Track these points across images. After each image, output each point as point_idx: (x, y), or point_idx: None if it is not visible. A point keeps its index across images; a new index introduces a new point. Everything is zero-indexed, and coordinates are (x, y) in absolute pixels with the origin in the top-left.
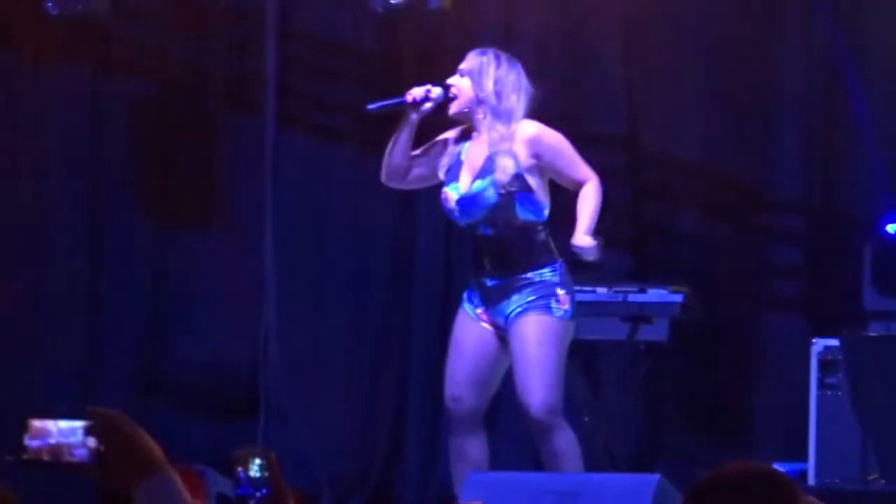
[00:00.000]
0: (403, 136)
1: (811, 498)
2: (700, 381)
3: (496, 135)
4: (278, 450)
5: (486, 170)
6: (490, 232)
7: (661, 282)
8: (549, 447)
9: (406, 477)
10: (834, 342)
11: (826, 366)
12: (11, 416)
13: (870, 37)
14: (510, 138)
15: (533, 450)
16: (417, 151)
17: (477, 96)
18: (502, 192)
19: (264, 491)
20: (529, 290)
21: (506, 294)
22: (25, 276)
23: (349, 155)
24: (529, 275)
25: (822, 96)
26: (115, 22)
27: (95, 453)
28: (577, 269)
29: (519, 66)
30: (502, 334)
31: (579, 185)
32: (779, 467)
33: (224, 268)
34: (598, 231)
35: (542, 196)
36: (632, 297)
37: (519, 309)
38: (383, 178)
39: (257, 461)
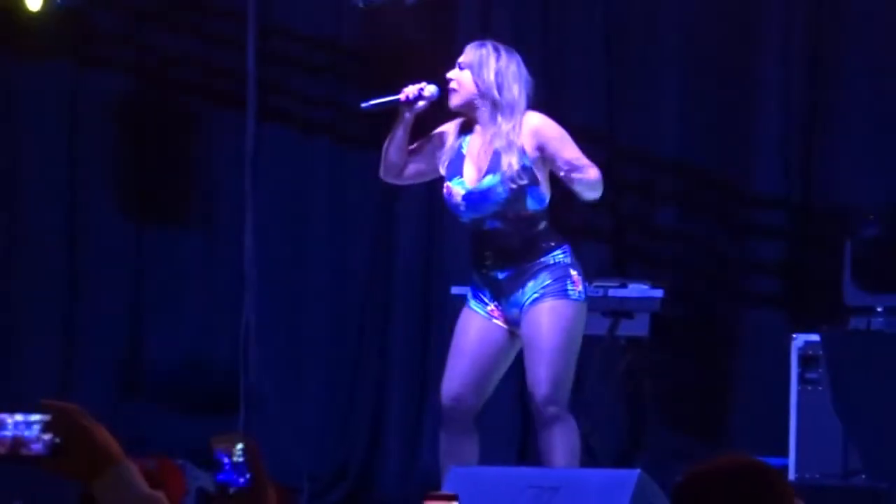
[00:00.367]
0: (398, 135)
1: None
2: (680, 376)
3: (503, 127)
4: (258, 444)
5: (495, 166)
6: (497, 225)
7: (642, 277)
8: (548, 438)
9: (386, 471)
10: (814, 337)
11: (806, 361)
12: None
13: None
14: (515, 131)
15: (516, 446)
16: (414, 146)
17: (479, 89)
18: (514, 186)
19: (248, 477)
20: (545, 273)
21: (520, 283)
22: (4, 271)
23: (329, 150)
24: (542, 258)
25: (802, 91)
26: (94, 16)
27: (52, 447)
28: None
29: (518, 57)
30: (514, 330)
31: None
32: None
33: (204, 262)
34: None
35: (546, 186)
36: (612, 292)
37: (536, 295)
38: (381, 173)
39: (240, 447)
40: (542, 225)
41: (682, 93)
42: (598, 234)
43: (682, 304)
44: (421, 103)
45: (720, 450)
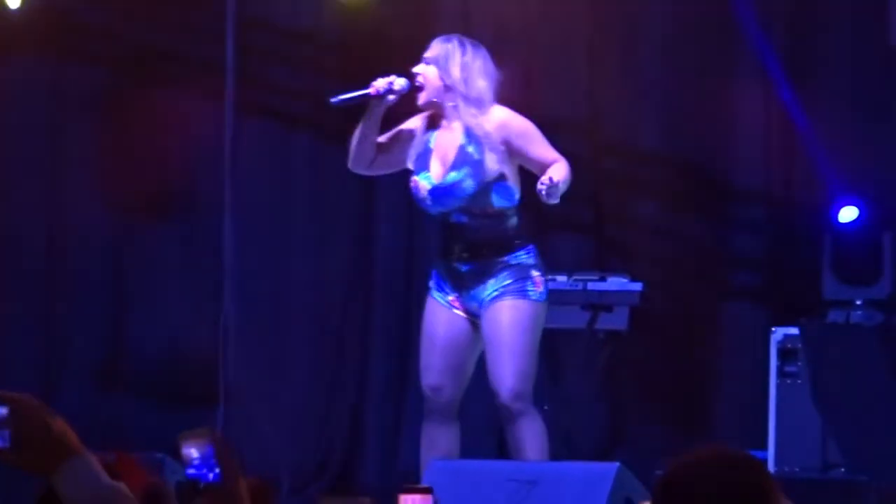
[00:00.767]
0: (368, 127)
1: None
2: (660, 369)
3: (471, 122)
4: (238, 438)
5: (461, 161)
6: (464, 219)
7: (621, 270)
8: (516, 434)
9: (366, 465)
10: (793, 331)
11: (785, 354)
12: None
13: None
14: (483, 125)
15: (495, 437)
16: (383, 138)
17: (444, 84)
18: (481, 182)
19: (217, 471)
20: (506, 273)
21: (481, 279)
22: None
23: (309, 142)
24: (505, 258)
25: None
26: (72, 10)
27: (9, 439)
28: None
29: (484, 51)
30: (475, 320)
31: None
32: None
33: (183, 256)
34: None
35: (514, 182)
36: (591, 286)
37: (495, 293)
38: (349, 164)
39: (208, 441)
40: (511, 222)
41: (662, 86)
42: (577, 228)
43: (662, 297)
44: (391, 97)
45: (699, 443)
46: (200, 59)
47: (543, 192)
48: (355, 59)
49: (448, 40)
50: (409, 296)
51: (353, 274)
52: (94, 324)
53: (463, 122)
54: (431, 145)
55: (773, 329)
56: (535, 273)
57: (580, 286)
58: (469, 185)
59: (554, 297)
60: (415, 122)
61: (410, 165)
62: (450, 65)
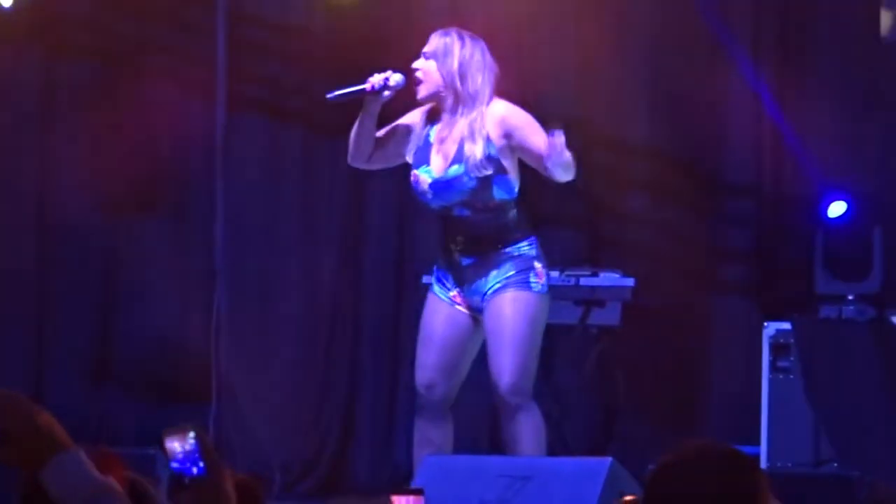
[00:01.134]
0: (365, 123)
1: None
2: (652, 364)
3: (467, 116)
4: (230, 434)
5: (461, 155)
6: (465, 213)
7: (613, 265)
8: (513, 428)
9: (358, 461)
10: (786, 325)
11: (778, 349)
12: None
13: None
14: (479, 120)
15: (487, 432)
16: (382, 133)
17: (443, 78)
18: (479, 176)
19: (200, 466)
20: (509, 264)
21: (484, 271)
22: None
23: (300, 137)
24: (508, 249)
25: (772, 80)
26: (63, 4)
27: None
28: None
29: (482, 45)
30: (476, 316)
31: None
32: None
33: (174, 251)
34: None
35: (515, 175)
36: (584, 281)
37: (498, 285)
38: (349, 159)
39: (191, 436)
40: (511, 214)
41: (653, 81)
42: (569, 223)
43: (654, 292)
44: (387, 93)
45: (692, 438)
46: (191, 54)
47: (541, 165)
48: (346, 53)
49: (446, 34)
50: (400, 291)
51: (344, 269)
52: (85, 320)
53: (462, 116)
54: (432, 139)
55: (766, 324)
56: (537, 264)
57: (572, 281)
58: (469, 178)
59: None
60: (414, 117)
61: (409, 159)
62: (448, 58)
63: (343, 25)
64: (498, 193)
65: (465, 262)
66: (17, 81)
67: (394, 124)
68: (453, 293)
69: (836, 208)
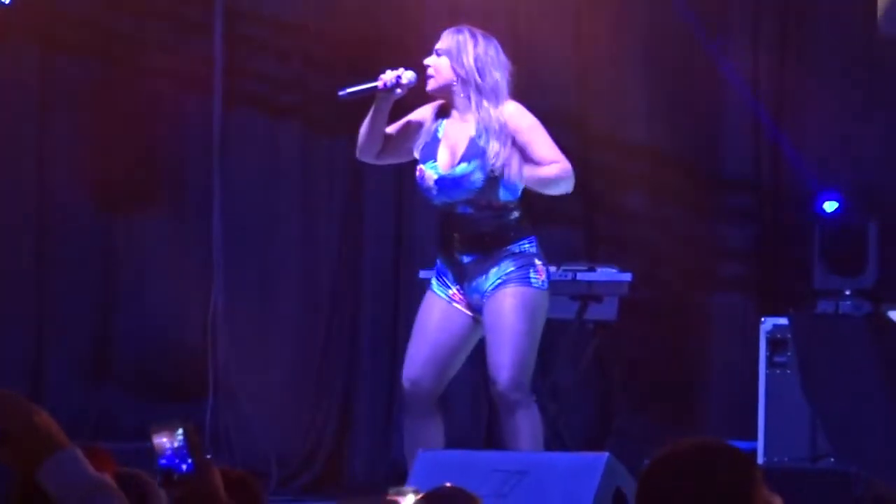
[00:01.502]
0: (376, 120)
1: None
2: (649, 360)
3: (491, 113)
4: (228, 429)
5: (472, 153)
6: (468, 211)
7: (610, 261)
8: (511, 424)
9: (355, 456)
10: (783, 321)
11: (775, 344)
12: None
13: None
14: (499, 117)
15: (482, 428)
16: (392, 129)
17: (457, 75)
18: (490, 176)
19: (189, 462)
20: (509, 260)
21: (483, 269)
22: None
23: (297, 134)
24: (508, 247)
25: (771, 76)
26: (60, 1)
27: None
28: None
29: (495, 42)
30: (475, 315)
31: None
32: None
33: (172, 248)
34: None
35: (519, 175)
36: (581, 276)
37: (498, 281)
38: (357, 154)
39: (179, 432)
40: (514, 215)
41: (651, 78)
42: (567, 218)
43: (651, 288)
44: (399, 90)
45: (689, 434)
46: (189, 51)
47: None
48: (343, 50)
49: (459, 31)
50: (398, 287)
51: (342, 265)
52: (82, 316)
53: (476, 114)
54: (440, 135)
55: (763, 319)
56: (537, 261)
57: (570, 276)
58: (478, 177)
59: None
60: (423, 112)
61: (417, 154)
62: (463, 56)
63: (340, 22)
64: (503, 194)
65: (466, 259)
66: (14, 79)
67: (405, 120)
68: (452, 291)
69: (830, 206)
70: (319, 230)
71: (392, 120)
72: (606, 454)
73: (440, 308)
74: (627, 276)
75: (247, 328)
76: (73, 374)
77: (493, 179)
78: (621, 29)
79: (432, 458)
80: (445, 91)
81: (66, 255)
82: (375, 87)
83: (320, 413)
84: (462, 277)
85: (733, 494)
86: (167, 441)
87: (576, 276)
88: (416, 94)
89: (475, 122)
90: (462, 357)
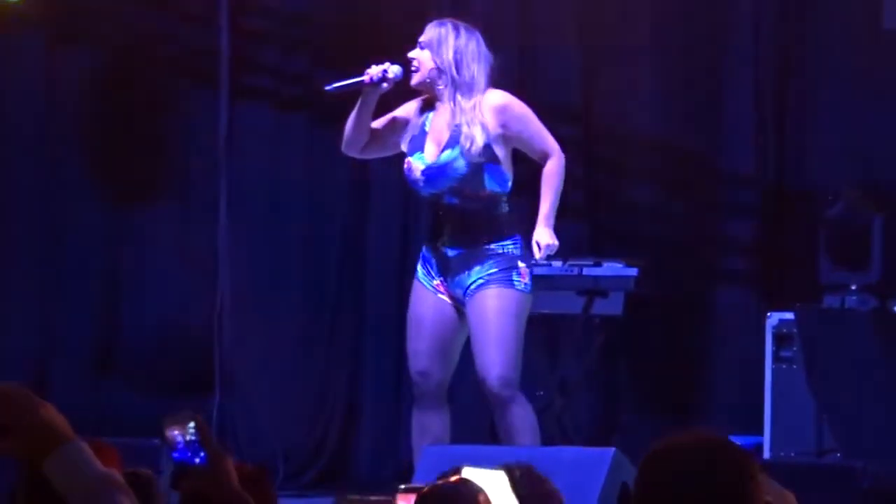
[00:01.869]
0: (362, 114)
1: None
2: (655, 355)
3: (463, 105)
4: (234, 424)
5: (454, 140)
6: (455, 202)
7: (616, 255)
8: (506, 421)
9: (361, 450)
10: (789, 315)
11: (781, 339)
12: None
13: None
14: (477, 108)
15: (488, 422)
16: (377, 123)
17: (438, 67)
18: (472, 162)
19: (202, 455)
20: (492, 262)
21: (467, 265)
22: None
23: (303, 126)
24: (492, 246)
25: (775, 71)
26: None
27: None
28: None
29: (478, 35)
30: (459, 306)
31: (544, 156)
32: (734, 440)
33: (178, 241)
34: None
35: (508, 167)
36: (587, 271)
37: (480, 281)
38: (342, 148)
39: (191, 425)
40: (501, 209)
41: (656, 71)
42: (572, 213)
43: (657, 282)
44: (384, 84)
45: (694, 429)
46: (195, 43)
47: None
48: (349, 42)
49: (442, 24)
50: (403, 280)
51: (347, 258)
52: (88, 310)
53: (451, 104)
54: (427, 128)
55: (769, 314)
56: (521, 264)
57: (575, 271)
58: (461, 164)
59: (549, 283)
60: (409, 107)
61: (404, 148)
62: (443, 48)
63: (346, 14)
64: (489, 183)
65: (451, 253)
66: (22, 71)
67: (391, 114)
68: (436, 282)
69: (832, 201)
70: (325, 223)
71: (377, 116)
72: (613, 449)
73: (429, 300)
74: (633, 271)
75: (253, 322)
76: (78, 369)
77: (478, 167)
78: (624, 22)
79: (437, 452)
80: (428, 84)
81: (71, 248)
82: (361, 81)
83: (326, 407)
84: (446, 271)
85: (730, 486)
86: (179, 434)
87: (581, 270)
88: (405, 89)
89: (454, 112)
90: (460, 344)
